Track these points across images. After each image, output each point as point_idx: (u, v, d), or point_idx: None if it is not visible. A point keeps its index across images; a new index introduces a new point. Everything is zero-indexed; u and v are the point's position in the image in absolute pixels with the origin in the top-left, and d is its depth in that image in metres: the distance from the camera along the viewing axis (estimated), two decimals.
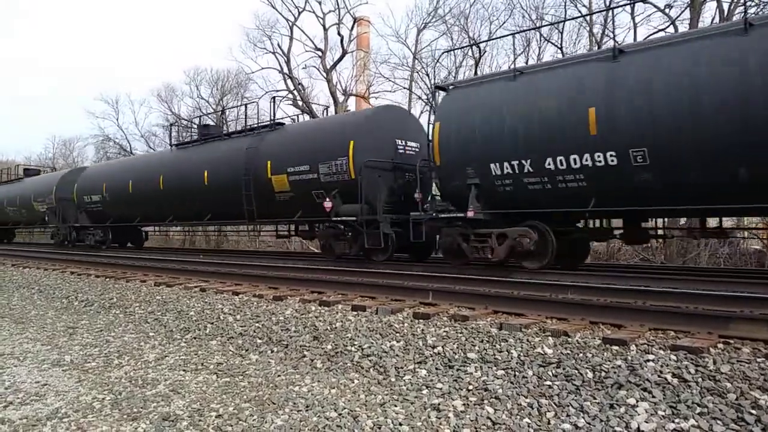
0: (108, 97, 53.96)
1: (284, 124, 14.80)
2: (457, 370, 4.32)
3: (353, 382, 4.39)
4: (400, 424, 3.50)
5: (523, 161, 8.60)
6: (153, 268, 11.72)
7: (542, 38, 22.67)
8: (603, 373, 3.85)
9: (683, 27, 17.94)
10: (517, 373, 4.09)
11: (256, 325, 6.19)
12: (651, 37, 13.79)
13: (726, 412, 3.20)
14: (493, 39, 22.79)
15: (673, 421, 3.19)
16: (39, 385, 4.63)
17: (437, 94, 11.42)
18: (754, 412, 3.16)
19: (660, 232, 10.29)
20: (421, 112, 24.87)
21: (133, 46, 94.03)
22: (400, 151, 11.98)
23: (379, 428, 3.47)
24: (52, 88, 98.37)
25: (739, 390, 3.40)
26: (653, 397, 3.47)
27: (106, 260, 14.09)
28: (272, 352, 5.42)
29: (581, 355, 4.23)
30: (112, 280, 10.53)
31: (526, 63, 22.97)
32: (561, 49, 21.55)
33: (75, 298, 9.27)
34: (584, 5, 20.59)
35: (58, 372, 5.04)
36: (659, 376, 3.69)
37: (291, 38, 28.57)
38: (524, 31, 22.13)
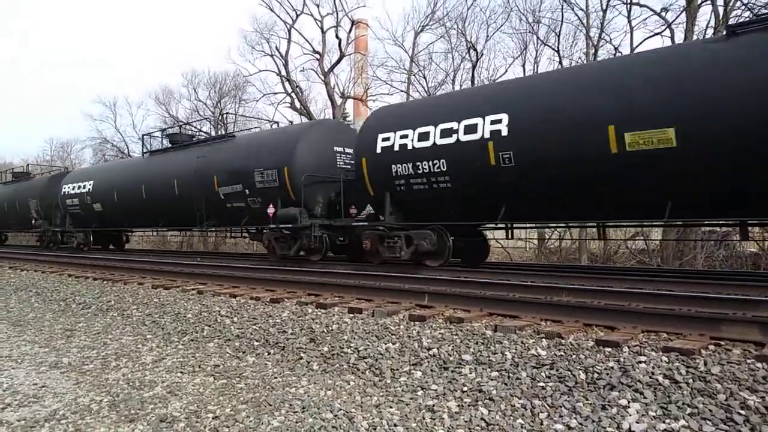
0: (105, 99, 53.78)
1: None
2: (452, 371, 4.36)
3: (349, 384, 4.43)
4: (395, 425, 3.54)
5: None
6: (150, 271, 11.73)
7: (539, 41, 22.76)
8: (596, 375, 3.90)
9: (679, 30, 18.07)
10: (511, 375, 4.13)
11: (253, 327, 6.23)
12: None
13: (716, 412, 3.25)
14: None
15: (663, 422, 3.23)
16: (37, 387, 4.66)
17: None
18: (743, 412, 3.20)
19: None
20: None
21: (130, 48, 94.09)
22: None
23: (375, 429, 3.51)
24: (49, 89, 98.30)
25: (728, 391, 3.45)
26: (645, 398, 3.51)
27: (104, 263, 14.09)
28: (269, 354, 5.46)
29: (574, 356, 4.27)
30: (109, 283, 10.55)
31: (523, 66, 23.09)
32: (558, 52, 21.65)
33: (73, 300, 9.29)
34: (581, 9, 20.70)
35: (56, 374, 5.07)
36: (651, 378, 3.73)
37: (289, 41, 28.67)
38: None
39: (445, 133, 9.46)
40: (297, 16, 27.97)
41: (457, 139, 9.30)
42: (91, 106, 76.11)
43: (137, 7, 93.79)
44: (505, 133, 8.74)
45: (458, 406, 3.78)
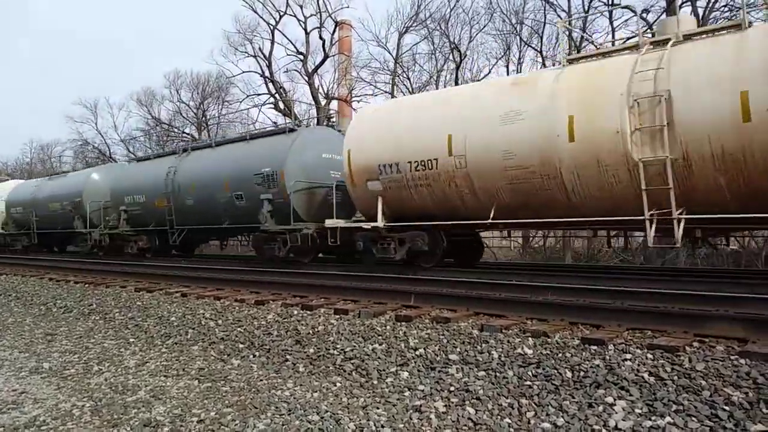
0: (86, 100, 52.91)
1: None
2: (439, 371, 4.35)
3: (335, 386, 4.40)
4: (383, 426, 3.52)
5: None
6: (133, 274, 11.59)
7: (522, 42, 22.88)
8: (582, 373, 3.91)
9: None
10: (497, 374, 4.13)
11: (238, 329, 6.17)
12: None
13: (701, 409, 3.27)
14: None
15: (649, 419, 3.25)
16: (16, 393, 4.57)
17: None
18: (727, 408, 3.23)
19: None
20: None
21: (111, 48, 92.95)
22: None
23: (362, 430, 3.49)
24: (29, 91, 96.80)
25: (713, 387, 3.48)
26: (630, 395, 3.53)
27: (86, 266, 13.90)
28: (254, 356, 5.40)
29: (560, 355, 4.28)
30: (91, 286, 10.40)
31: (507, 67, 23.22)
32: (541, 53, 21.79)
33: (54, 304, 9.14)
34: (564, 10, 20.85)
35: (37, 379, 4.97)
36: (636, 375, 3.76)
37: (272, 42, 28.51)
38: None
39: None
40: (280, 17, 27.83)
41: None
42: (72, 108, 74.83)
43: (119, 7, 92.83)
44: None
45: (445, 406, 3.77)
